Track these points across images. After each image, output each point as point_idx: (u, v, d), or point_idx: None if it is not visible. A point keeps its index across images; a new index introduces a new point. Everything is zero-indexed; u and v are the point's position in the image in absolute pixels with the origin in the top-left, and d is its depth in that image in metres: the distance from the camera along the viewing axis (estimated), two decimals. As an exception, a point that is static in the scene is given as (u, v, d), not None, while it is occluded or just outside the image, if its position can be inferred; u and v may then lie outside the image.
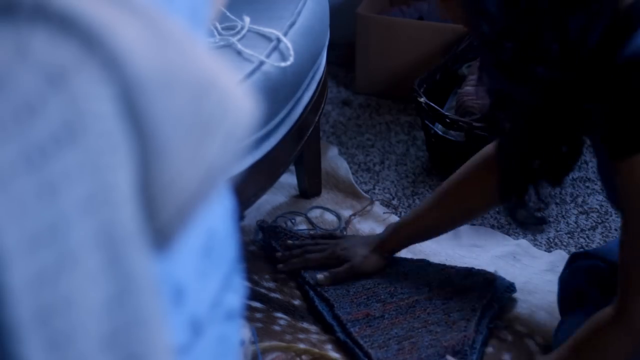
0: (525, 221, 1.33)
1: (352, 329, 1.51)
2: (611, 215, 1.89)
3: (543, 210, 1.32)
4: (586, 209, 1.91)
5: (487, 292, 1.57)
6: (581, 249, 1.77)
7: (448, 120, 1.91)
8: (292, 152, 1.66)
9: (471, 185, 1.49)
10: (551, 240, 1.82)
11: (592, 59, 1.09)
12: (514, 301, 1.61)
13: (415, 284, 1.62)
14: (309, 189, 1.91)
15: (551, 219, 1.87)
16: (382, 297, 1.58)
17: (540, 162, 1.23)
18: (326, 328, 1.55)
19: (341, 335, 1.51)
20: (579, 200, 1.93)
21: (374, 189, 2.00)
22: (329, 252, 1.64)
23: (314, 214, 1.88)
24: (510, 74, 1.13)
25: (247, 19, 1.53)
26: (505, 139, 1.28)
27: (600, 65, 1.09)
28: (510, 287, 1.61)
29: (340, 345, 1.51)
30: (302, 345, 1.51)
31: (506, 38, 1.09)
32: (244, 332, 1.44)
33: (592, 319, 1.20)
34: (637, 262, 1.13)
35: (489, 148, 1.47)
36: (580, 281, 1.40)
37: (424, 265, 1.68)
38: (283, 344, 1.50)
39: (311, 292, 1.61)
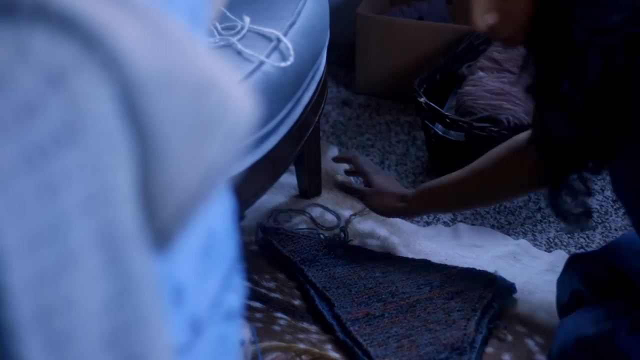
0: (574, 216, 1.29)
1: (351, 328, 1.51)
2: (611, 215, 1.89)
3: (588, 200, 1.29)
4: (586, 209, 1.91)
5: (487, 293, 1.58)
6: (581, 249, 1.77)
7: (448, 120, 1.91)
8: (292, 152, 1.66)
9: (508, 165, 1.47)
10: (551, 240, 1.82)
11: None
12: (514, 301, 1.61)
13: (416, 284, 1.62)
14: (309, 189, 1.91)
15: (551, 219, 1.87)
16: (383, 296, 1.58)
17: (587, 148, 1.19)
18: (326, 327, 1.56)
19: (340, 335, 1.51)
20: (579, 200, 1.93)
21: (374, 189, 2.00)
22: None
23: (314, 213, 1.88)
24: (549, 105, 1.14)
25: (247, 19, 1.53)
26: (550, 127, 1.23)
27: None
28: (511, 288, 1.61)
29: (340, 345, 1.51)
30: (302, 345, 1.51)
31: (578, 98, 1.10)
32: (244, 332, 1.44)
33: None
34: None
35: (522, 135, 1.45)
36: (578, 284, 1.40)
37: (425, 265, 1.68)
38: (283, 344, 1.50)
39: (312, 291, 1.61)
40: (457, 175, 1.55)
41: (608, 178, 1.82)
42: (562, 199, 1.26)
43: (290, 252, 1.71)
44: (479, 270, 1.64)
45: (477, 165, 1.52)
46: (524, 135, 1.44)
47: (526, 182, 1.44)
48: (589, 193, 1.27)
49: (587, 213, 1.30)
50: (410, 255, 1.71)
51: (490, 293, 1.58)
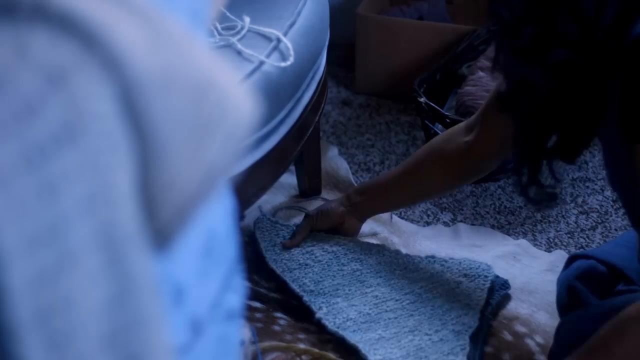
0: (538, 198, 1.31)
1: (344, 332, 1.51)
2: (611, 215, 1.89)
3: (556, 188, 1.31)
4: (586, 209, 1.91)
5: (483, 291, 1.58)
6: (581, 249, 1.77)
7: (448, 120, 1.91)
8: (292, 152, 1.66)
9: (432, 168, 1.58)
10: (551, 240, 1.82)
11: (605, 38, 1.10)
12: (507, 298, 1.62)
13: (415, 280, 1.62)
14: (309, 189, 1.91)
15: (551, 219, 1.87)
16: (380, 295, 1.58)
17: (557, 139, 1.23)
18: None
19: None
20: (579, 200, 1.93)
21: (374, 189, 2.00)
22: (307, 221, 1.72)
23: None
24: (527, 58, 1.16)
25: (247, 19, 1.53)
26: (520, 117, 1.27)
27: (613, 44, 1.09)
28: (505, 284, 1.62)
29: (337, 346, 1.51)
30: (302, 345, 1.51)
31: (525, 23, 1.13)
32: (244, 332, 1.44)
33: (623, 311, 1.18)
34: None
35: (436, 140, 1.59)
36: (578, 283, 1.40)
37: (424, 260, 1.67)
38: (283, 344, 1.50)
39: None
40: (387, 183, 1.66)
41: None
42: (531, 188, 1.30)
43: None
44: (478, 264, 1.64)
45: (405, 167, 1.63)
46: (438, 140, 1.57)
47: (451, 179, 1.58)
48: (559, 181, 1.30)
49: (554, 196, 1.33)
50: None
51: (487, 292, 1.58)
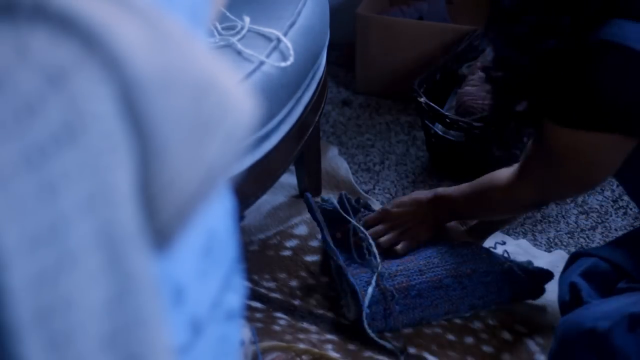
0: (495, 153, 1.46)
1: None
2: (611, 216, 1.89)
3: (517, 149, 1.48)
4: (586, 209, 1.91)
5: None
6: (581, 249, 1.77)
7: (448, 120, 1.91)
8: (292, 152, 1.66)
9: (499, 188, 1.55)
10: (551, 240, 1.82)
11: (585, 31, 1.20)
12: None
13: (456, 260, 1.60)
14: (309, 189, 1.91)
15: (551, 219, 1.87)
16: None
17: (526, 107, 1.35)
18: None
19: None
20: (579, 200, 1.94)
21: (374, 189, 2.00)
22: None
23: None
24: (519, 45, 1.25)
25: (247, 19, 1.53)
26: (499, 86, 1.37)
27: (579, 40, 1.20)
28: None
29: (340, 345, 1.51)
30: (302, 346, 1.51)
31: (527, 12, 1.21)
32: (244, 332, 1.44)
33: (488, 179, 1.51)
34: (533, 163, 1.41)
35: (499, 173, 1.55)
36: (580, 280, 1.41)
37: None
38: (283, 344, 1.50)
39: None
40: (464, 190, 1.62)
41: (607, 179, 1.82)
42: (496, 145, 1.46)
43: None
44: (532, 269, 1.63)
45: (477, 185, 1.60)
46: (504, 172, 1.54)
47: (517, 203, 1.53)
48: (521, 141, 1.45)
49: (513, 156, 1.50)
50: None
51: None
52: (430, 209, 1.64)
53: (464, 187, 1.61)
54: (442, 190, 1.65)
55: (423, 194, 1.67)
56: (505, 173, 1.50)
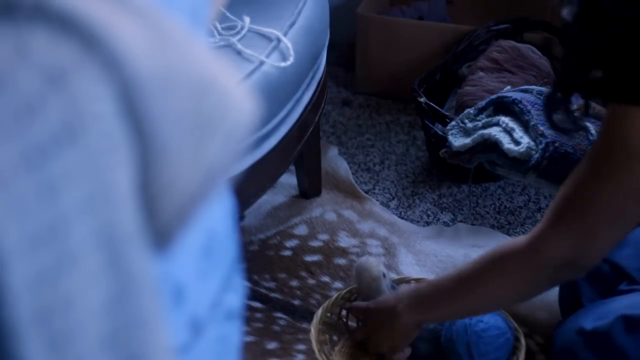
0: (562, 125, 1.20)
1: None
2: (611, 215, 1.89)
3: (581, 120, 1.22)
4: (586, 209, 1.91)
5: None
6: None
7: (448, 120, 1.90)
8: (292, 152, 1.66)
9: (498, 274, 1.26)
10: (551, 240, 1.82)
11: None
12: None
13: None
14: (308, 189, 1.91)
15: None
16: None
17: (601, 75, 1.09)
18: None
19: None
20: (579, 200, 1.93)
21: (374, 189, 2.00)
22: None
23: (314, 213, 1.88)
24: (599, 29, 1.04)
25: (247, 19, 1.53)
26: (573, 46, 1.15)
27: None
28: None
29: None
30: (300, 346, 1.51)
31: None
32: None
33: (499, 247, 1.19)
34: (574, 195, 1.09)
35: (499, 250, 1.25)
36: (580, 281, 1.41)
37: None
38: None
39: None
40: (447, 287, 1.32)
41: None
42: (557, 114, 1.19)
43: None
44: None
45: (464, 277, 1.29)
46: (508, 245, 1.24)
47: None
48: (586, 115, 1.19)
49: (578, 126, 1.24)
50: (409, 255, 1.71)
51: None
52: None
53: (444, 278, 1.31)
54: (411, 297, 1.35)
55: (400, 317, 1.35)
56: (519, 240, 1.17)
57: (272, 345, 1.54)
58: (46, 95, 0.38)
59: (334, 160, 2.06)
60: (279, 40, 1.51)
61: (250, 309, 1.60)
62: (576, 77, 1.12)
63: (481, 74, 2.02)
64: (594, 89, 1.11)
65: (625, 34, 1.02)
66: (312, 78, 1.66)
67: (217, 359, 0.57)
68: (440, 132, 1.96)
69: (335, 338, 1.47)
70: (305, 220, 1.85)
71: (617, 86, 1.04)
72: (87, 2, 0.40)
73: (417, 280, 1.55)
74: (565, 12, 1.13)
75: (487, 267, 1.22)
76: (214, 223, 0.56)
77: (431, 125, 1.97)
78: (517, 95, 1.58)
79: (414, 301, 1.34)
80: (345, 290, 1.51)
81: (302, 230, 1.83)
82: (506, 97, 1.60)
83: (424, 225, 1.88)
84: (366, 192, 1.97)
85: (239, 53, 1.47)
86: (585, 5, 1.06)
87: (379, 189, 2.00)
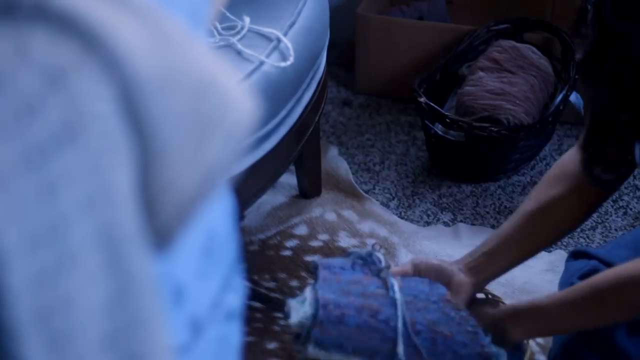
0: (601, 176, 1.21)
1: None
2: (611, 216, 1.89)
3: (619, 170, 1.21)
4: (586, 209, 1.91)
5: None
6: (581, 248, 1.77)
7: (448, 120, 1.91)
8: (292, 152, 1.66)
9: (557, 204, 1.33)
10: (551, 240, 1.82)
11: None
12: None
13: None
14: (309, 189, 1.91)
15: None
16: None
17: (629, 117, 1.12)
18: None
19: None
20: (579, 200, 1.93)
21: (374, 189, 2.00)
22: None
23: (314, 213, 1.88)
24: None
25: (247, 19, 1.53)
26: (598, 89, 1.16)
27: None
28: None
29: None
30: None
31: None
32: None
33: (620, 268, 1.16)
34: None
35: (565, 159, 1.30)
36: (578, 280, 1.40)
37: None
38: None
39: None
40: (511, 229, 1.36)
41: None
42: (596, 164, 1.20)
43: None
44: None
45: (527, 210, 1.36)
46: (565, 160, 1.30)
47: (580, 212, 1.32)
48: (628, 164, 1.19)
49: (619, 178, 1.23)
50: (410, 255, 1.71)
51: None
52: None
53: (560, 295, 1.28)
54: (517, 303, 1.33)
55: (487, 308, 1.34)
56: None
57: (272, 345, 1.54)
58: (46, 95, 0.39)
59: (334, 160, 2.06)
60: (279, 40, 1.51)
61: (250, 309, 1.60)
62: (605, 122, 1.14)
63: (481, 74, 2.02)
64: (625, 131, 1.13)
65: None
66: (312, 78, 1.66)
67: (217, 359, 0.57)
68: (440, 132, 1.97)
69: None
70: (305, 220, 1.85)
71: None
72: (87, 2, 0.40)
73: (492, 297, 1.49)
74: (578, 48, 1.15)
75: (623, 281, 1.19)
76: (214, 223, 0.56)
77: (431, 126, 1.98)
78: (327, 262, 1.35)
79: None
80: None
81: (302, 230, 1.83)
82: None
83: (424, 225, 1.88)
84: (366, 192, 1.97)
85: (239, 53, 1.47)
86: (606, 30, 1.07)
87: (379, 189, 2.00)
